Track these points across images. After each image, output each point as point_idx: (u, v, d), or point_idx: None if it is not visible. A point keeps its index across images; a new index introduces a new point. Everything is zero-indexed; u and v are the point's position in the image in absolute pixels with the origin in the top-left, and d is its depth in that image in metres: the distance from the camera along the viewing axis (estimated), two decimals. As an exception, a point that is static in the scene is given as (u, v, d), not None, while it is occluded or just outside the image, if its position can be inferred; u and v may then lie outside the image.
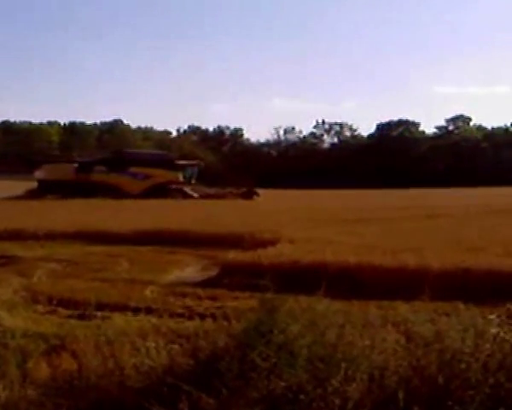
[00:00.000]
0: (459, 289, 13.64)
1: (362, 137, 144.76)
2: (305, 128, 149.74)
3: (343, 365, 5.51)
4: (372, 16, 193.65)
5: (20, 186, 64.22)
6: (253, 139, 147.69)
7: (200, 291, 15.50)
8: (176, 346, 6.95)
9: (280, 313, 6.01)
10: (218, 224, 28.05)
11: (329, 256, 16.75)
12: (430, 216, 33.06)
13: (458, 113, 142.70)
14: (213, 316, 10.89)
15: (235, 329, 6.31)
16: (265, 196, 63.64)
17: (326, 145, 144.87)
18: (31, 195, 62.31)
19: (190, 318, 12.02)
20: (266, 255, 17.85)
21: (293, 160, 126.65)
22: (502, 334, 6.12)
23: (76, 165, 68.94)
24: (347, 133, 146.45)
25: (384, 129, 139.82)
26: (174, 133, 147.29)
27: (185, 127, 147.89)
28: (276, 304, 6.11)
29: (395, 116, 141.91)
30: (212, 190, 66.29)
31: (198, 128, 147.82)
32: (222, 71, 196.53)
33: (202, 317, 11.51)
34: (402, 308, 10.14)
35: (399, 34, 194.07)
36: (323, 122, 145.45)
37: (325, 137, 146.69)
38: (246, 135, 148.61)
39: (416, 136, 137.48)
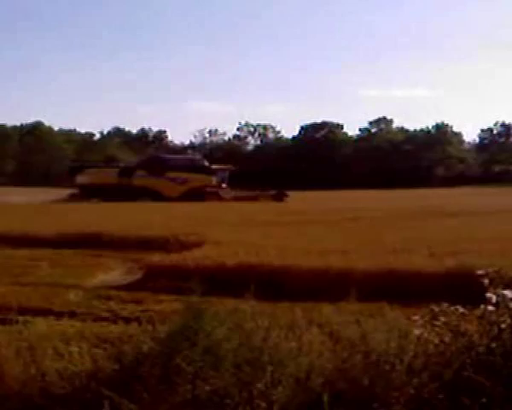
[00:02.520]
0: (384, 290, 13.75)
1: (286, 139, 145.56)
2: (230, 131, 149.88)
3: (269, 368, 5.49)
4: (298, 19, 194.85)
5: None
6: (177, 141, 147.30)
7: (124, 295, 15.37)
8: (100, 351, 6.84)
9: (205, 317, 5.96)
10: (144, 227, 27.82)
11: (255, 258, 16.79)
12: (354, 218, 33.34)
13: (379, 115, 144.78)
14: (138, 320, 10.73)
15: (159, 333, 6.24)
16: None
17: (250, 147, 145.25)
18: (73, 198, 64.10)
19: (115, 322, 11.87)
20: (192, 258, 17.79)
21: (218, 162, 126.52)
22: (425, 335, 6.19)
23: (118, 170, 70.97)
24: (271, 135, 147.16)
25: (308, 131, 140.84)
26: (97, 135, 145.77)
27: (109, 129, 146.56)
28: (201, 307, 6.06)
29: (320, 119, 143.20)
30: (243, 193, 67.36)
31: (122, 130, 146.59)
32: (147, 73, 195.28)
33: (127, 321, 11.33)
34: (327, 310, 10.18)
35: (325, 37, 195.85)
36: (247, 124, 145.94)
37: (249, 139, 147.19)
38: (170, 137, 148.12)
39: (339, 138, 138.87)
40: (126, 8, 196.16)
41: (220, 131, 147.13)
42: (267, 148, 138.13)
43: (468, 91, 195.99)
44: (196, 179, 68.48)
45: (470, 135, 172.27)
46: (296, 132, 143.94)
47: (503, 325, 6.21)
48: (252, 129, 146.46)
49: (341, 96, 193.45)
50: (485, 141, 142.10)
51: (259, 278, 14.49)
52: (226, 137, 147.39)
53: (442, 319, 6.42)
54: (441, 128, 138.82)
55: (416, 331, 6.27)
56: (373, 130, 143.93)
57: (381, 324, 6.34)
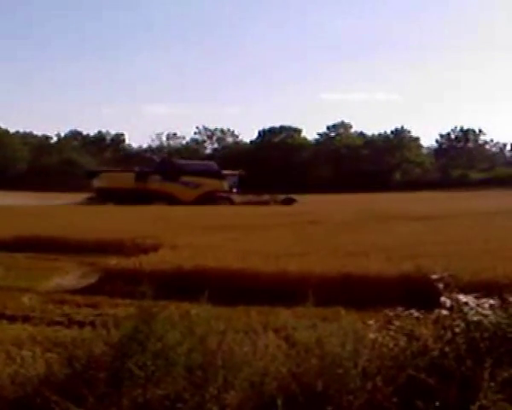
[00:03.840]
0: (341, 294, 13.83)
1: (244, 143, 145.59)
2: (189, 134, 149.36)
3: (222, 372, 5.48)
4: (258, 22, 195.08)
5: None
6: (135, 145, 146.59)
7: (79, 299, 15.26)
8: (53, 355, 6.77)
9: (157, 321, 5.94)
10: (103, 230, 27.64)
11: (212, 262, 16.78)
12: (312, 222, 33.44)
13: (339, 119, 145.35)
14: (93, 324, 10.67)
15: (112, 337, 6.19)
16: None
17: (208, 151, 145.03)
18: (91, 202, 65.43)
19: (69, 326, 11.83)
20: (148, 262, 17.74)
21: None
22: (380, 339, 6.23)
23: (134, 174, 72.32)
24: (229, 139, 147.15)
25: (266, 135, 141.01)
26: (54, 138, 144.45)
27: (66, 132, 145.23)
28: (153, 311, 6.04)
29: (279, 123, 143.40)
30: (254, 198, 68.28)
31: (79, 133, 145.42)
32: (104, 75, 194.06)
33: (81, 325, 11.29)
34: (284, 314, 10.22)
35: (284, 41, 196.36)
36: (205, 128, 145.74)
37: (207, 142, 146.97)
38: (128, 140, 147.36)
39: (297, 142, 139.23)
40: (87, 10, 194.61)
41: (178, 134, 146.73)
42: (225, 151, 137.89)
43: (427, 96, 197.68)
44: (209, 184, 70.34)
45: (428, 140, 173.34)
46: (254, 136, 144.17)
47: (456, 329, 6.27)
48: (210, 133, 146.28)
49: (300, 101, 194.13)
50: (444, 146, 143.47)
51: (216, 281, 14.50)
52: (184, 141, 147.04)
53: (397, 323, 6.47)
54: (399, 133, 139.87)
55: (371, 336, 6.31)
56: (332, 134, 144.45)
57: (336, 328, 6.36)
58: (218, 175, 73.09)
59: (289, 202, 66.07)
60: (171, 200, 63.66)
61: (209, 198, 65.60)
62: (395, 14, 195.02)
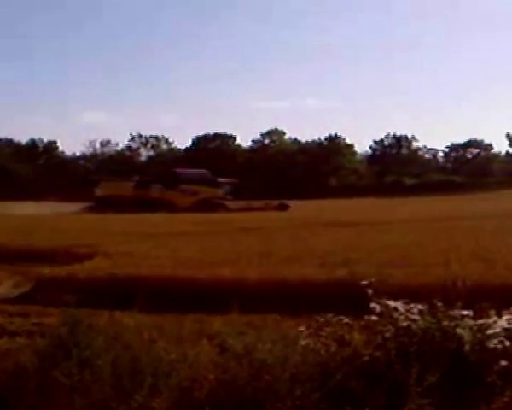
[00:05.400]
0: (276, 301, 13.88)
1: (179, 150, 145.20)
2: (123, 142, 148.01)
3: (150, 379, 5.47)
4: (191, 29, 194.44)
5: None
6: (69, 152, 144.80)
7: (11, 308, 15.04)
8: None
9: (82, 328, 5.90)
10: (33, 237, 27.27)
11: (146, 270, 16.71)
12: (247, 229, 33.47)
13: (273, 126, 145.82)
14: (24, 334, 10.57)
15: (39, 346, 6.13)
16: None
17: (143, 158, 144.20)
18: (89, 210, 67.29)
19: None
20: (82, 270, 17.58)
21: (110, 173, 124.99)
22: (311, 345, 6.28)
23: (134, 183, 75.48)
24: (164, 146, 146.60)
25: (200, 142, 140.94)
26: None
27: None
28: (77, 319, 5.99)
29: (213, 130, 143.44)
30: (250, 204, 70.41)
31: (11, 141, 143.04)
32: (38, 82, 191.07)
33: (12, 335, 11.13)
34: (217, 322, 10.22)
35: (217, 50, 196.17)
36: (140, 135, 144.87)
37: (142, 150, 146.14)
38: (61, 148, 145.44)
39: (232, 149, 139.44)
40: (21, 15, 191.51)
41: (112, 141, 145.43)
42: (160, 159, 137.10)
43: (359, 103, 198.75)
44: (205, 191, 73.22)
45: (362, 146, 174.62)
46: (189, 144, 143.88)
47: (387, 334, 6.35)
48: (144, 140, 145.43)
49: (234, 108, 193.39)
50: (377, 152, 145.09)
51: (150, 289, 14.41)
52: (118, 148, 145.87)
53: (328, 329, 6.53)
54: (333, 139, 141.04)
55: (302, 342, 6.36)
56: (266, 141, 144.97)
57: (267, 334, 6.39)
58: (213, 183, 76.24)
59: (284, 207, 68.04)
60: (170, 207, 65.11)
61: (205, 205, 67.42)
62: (328, 22, 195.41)
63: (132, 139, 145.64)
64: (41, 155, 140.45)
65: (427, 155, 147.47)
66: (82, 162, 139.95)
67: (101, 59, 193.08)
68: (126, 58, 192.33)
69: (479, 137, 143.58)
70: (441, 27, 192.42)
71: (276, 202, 71.27)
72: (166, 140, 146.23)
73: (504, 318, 6.62)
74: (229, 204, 70.92)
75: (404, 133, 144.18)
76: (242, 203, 70.64)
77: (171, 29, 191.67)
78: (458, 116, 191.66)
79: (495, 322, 6.49)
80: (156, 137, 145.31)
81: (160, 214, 50.94)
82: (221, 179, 78.75)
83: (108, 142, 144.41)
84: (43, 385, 5.59)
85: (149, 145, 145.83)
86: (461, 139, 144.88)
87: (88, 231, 32.19)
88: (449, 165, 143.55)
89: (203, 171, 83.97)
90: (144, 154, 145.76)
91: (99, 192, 74.06)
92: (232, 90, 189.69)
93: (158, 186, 73.60)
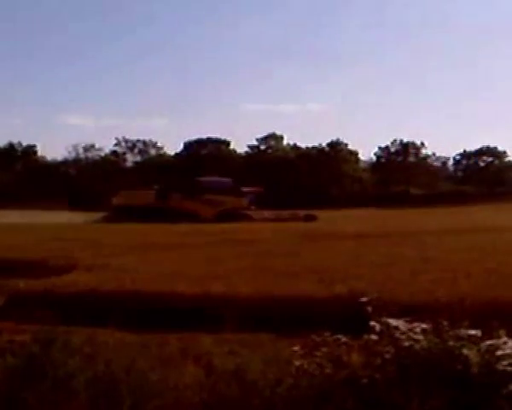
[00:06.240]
0: (269, 318, 13.85)
1: (168, 155, 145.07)
2: (108, 146, 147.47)
3: (129, 401, 5.45)
4: (180, 29, 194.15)
5: None
6: (50, 157, 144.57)
7: (-18, 325, 14.96)
8: None
9: (57, 346, 5.87)
10: (12, 248, 27.21)
11: (129, 284, 16.67)
12: (239, 242, 33.38)
13: (270, 131, 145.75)
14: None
15: (10, 365, 6.10)
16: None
17: (129, 164, 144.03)
18: (105, 220, 69.87)
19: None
20: (60, 284, 17.55)
21: (95, 179, 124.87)
22: (305, 366, 6.27)
23: (154, 192, 76.90)
24: (153, 151, 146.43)
25: (192, 147, 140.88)
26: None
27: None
28: (50, 338, 5.97)
29: (206, 135, 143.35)
30: (275, 215, 71.81)
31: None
32: (18, 83, 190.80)
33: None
34: (205, 341, 10.22)
35: (210, 50, 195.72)
36: (126, 140, 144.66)
37: (128, 155, 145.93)
38: (40, 152, 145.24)
39: (225, 155, 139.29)
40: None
41: (97, 146, 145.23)
42: (148, 165, 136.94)
43: (363, 108, 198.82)
44: (229, 202, 74.43)
45: (366, 153, 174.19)
46: (180, 149, 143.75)
47: (387, 356, 6.34)
48: (130, 144, 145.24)
49: (229, 112, 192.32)
50: (382, 160, 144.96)
51: (134, 305, 14.42)
52: (103, 153, 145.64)
53: (323, 349, 6.51)
54: (335, 145, 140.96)
55: (296, 363, 6.34)
56: (262, 147, 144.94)
57: (259, 354, 6.39)
58: (237, 192, 77.12)
59: (311, 218, 67.87)
60: (193, 217, 65.83)
61: (229, 215, 68.32)
62: (324, 21, 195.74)
63: (118, 144, 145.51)
64: (19, 160, 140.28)
65: (435, 163, 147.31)
66: (63, 168, 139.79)
67: (87, 60, 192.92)
68: (112, 60, 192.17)
69: (492, 144, 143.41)
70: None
71: (302, 213, 71.59)
72: (155, 144, 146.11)
73: (515, 338, 6.61)
74: (254, 215, 71.51)
75: (411, 140, 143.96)
76: (268, 214, 71.66)
77: (161, 30, 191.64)
78: (471, 122, 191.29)
79: (505, 343, 6.48)
80: (144, 142, 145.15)
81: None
82: (246, 189, 79.54)
83: (92, 146, 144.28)
84: (12, 408, 5.56)
85: (136, 150, 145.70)
86: (473, 147, 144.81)
87: (76, 241, 32.16)
88: (459, 174, 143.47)
89: (226, 179, 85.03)
90: (131, 159, 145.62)
91: (116, 201, 75.37)
92: (228, 94, 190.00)
93: (178, 195, 74.75)
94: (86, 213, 75.00)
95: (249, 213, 72.50)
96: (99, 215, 72.19)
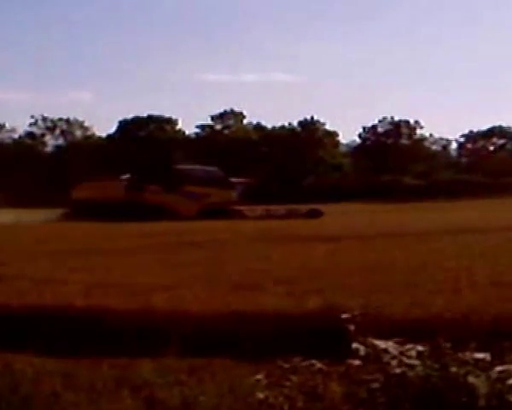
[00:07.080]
0: (225, 340, 13.83)
1: (99, 137, 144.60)
2: (22, 126, 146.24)
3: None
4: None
5: None
6: None
7: None
8: None
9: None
10: None
11: (50, 299, 16.56)
12: (191, 244, 33.34)
13: (227, 107, 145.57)
14: None
15: None
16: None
17: (49, 148, 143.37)
18: (63, 218, 69.36)
19: None
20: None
21: (7, 166, 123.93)
22: (271, 399, 6.25)
23: (125, 182, 77.80)
24: (78, 132, 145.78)
25: (128, 127, 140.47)
26: None
27: None
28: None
29: (150, 111, 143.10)
30: (272, 211, 71.97)
31: None
32: None
33: None
34: (146, 367, 10.18)
35: (159, 15, 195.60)
36: (45, 118, 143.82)
37: (48, 137, 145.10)
38: None
39: (171, 135, 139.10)
40: None
41: (8, 126, 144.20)
42: (72, 149, 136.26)
43: (343, 79, 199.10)
44: (215, 195, 74.71)
45: (348, 135, 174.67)
46: (113, 129, 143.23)
47: (374, 385, 6.33)
48: (51, 124, 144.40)
49: (178, 84, 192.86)
50: (368, 142, 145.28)
51: (57, 325, 14.32)
52: (16, 135, 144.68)
53: (293, 378, 6.50)
54: (309, 125, 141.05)
55: (260, 395, 6.32)
56: (217, 126, 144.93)
57: (211, 385, 6.37)
58: (225, 184, 77.24)
59: (316, 214, 67.71)
60: (172, 214, 66.39)
61: (215, 211, 68.57)
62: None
63: (35, 123, 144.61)
64: None
65: (434, 147, 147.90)
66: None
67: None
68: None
69: (504, 124, 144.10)
70: None
71: (303, 208, 71.12)
72: (81, 124, 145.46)
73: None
74: (248, 211, 71.79)
75: (404, 118, 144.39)
76: (260, 209, 72.18)
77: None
78: (477, 98, 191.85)
79: (519, 369, 6.51)
80: (67, 121, 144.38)
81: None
82: (234, 179, 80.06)
83: (3, 126, 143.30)
84: None
85: (58, 131, 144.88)
86: (481, 127, 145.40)
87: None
88: (464, 160, 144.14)
89: (211, 168, 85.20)
90: (51, 143, 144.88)
91: (76, 195, 75.21)
92: (176, 63, 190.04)
93: (155, 188, 74.67)
94: (39, 210, 73.13)
95: (241, 209, 72.52)
96: (56, 213, 71.55)
